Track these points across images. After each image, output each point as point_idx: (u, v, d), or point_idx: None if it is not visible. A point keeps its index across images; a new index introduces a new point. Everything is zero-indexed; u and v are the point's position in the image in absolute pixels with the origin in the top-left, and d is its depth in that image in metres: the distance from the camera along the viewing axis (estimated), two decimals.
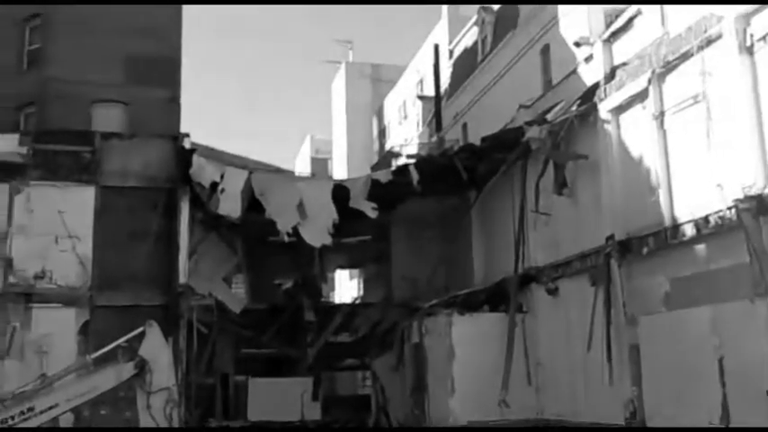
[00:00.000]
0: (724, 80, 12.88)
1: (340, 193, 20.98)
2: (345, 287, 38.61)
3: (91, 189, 19.53)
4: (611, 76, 16.30)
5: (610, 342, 15.28)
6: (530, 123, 19.00)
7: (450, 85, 30.61)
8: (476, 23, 28.32)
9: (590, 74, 17.51)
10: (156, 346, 12.95)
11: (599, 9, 17.72)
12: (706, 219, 13.02)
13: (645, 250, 14.64)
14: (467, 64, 28.86)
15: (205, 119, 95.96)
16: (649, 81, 14.69)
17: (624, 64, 15.89)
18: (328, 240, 20.99)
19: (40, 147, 19.43)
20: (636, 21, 15.84)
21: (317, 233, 20.87)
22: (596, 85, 16.68)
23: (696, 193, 13.48)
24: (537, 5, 21.95)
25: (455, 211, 23.38)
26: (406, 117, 39.85)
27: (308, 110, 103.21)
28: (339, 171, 47.65)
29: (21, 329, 18.26)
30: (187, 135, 20.59)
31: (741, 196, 12.10)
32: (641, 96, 15.07)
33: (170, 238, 19.62)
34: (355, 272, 34.31)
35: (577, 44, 18.11)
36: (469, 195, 22.53)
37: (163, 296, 19.20)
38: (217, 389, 21.93)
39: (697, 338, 13.06)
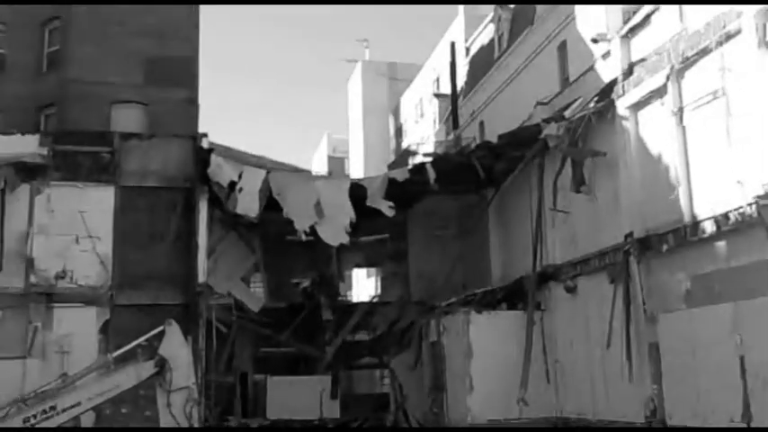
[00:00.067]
0: (743, 76, 12.75)
1: (357, 191, 21.01)
2: (363, 286, 38.66)
3: (110, 189, 19.70)
4: (628, 72, 16.20)
5: (629, 340, 15.19)
6: (547, 120, 18.92)
7: (467, 82, 30.56)
8: (492, 21, 28.25)
9: (608, 70, 17.42)
10: (175, 345, 13.07)
11: (616, 5, 17.62)
12: (726, 215, 12.91)
13: (664, 247, 14.54)
14: (483, 61, 28.79)
15: (223, 119, 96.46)
16: (668, 77, 14.59)
17: (642, 60, 15.79)
18: (346, 239, 21.03)
19: (61, 148, 19.61)
20: (654, 17, 15.72)
21: (335, 232, 20.92)
22: (614, 82, 16.59)
23: (716, 189, 13.37)
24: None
25: (472, 209, 23.35)
26: (422, 115, 39.82)
27: (325, 108, 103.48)
28: (356, 170, 47.71)
29: (42, 329, 18.45)
30: (205, 135, 20.71)
31: (762, 192, 11.99)
32: (660, 92, 14.97)
33: (189, 238, 19.75)
34: (373, 270, 34.33)
35: (595, 40, 18.02)
36: (487, 193, 22.49)
37: (182, 295, 19.33)
38: (236, 387, 22.06)
39: (718, 336, 12.96)
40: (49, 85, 24.52)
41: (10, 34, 25.07)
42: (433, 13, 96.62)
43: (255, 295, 23.56)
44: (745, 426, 12.22)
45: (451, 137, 29.86)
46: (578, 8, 20.00)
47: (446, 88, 32.70)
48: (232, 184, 20.27)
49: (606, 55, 17.55)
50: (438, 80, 36.85)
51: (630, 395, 15.20)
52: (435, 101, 36.13)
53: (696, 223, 13.76)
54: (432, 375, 20.59)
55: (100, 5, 24.79)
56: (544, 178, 19.01)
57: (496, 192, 21.87)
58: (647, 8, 15.88)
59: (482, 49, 29.67)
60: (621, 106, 16.12)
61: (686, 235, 13.97)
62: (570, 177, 17.62)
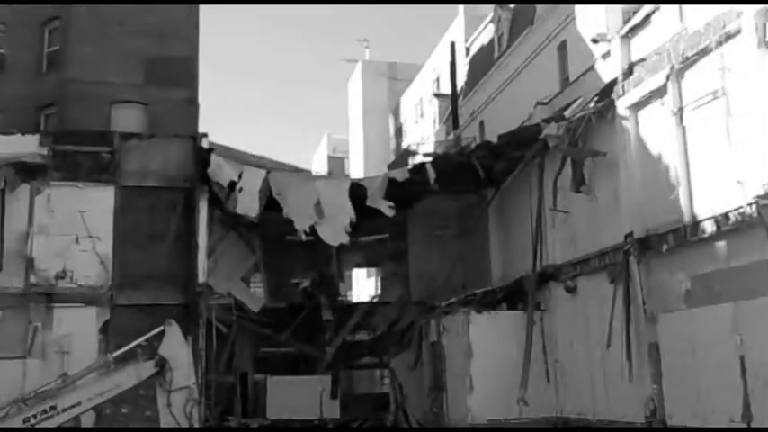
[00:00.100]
0: (743, 76, 12.75)
1: (357, 191, 21.02)
2: (363, 286, 38.67)
3: (110, 189, 19.71)
4: (628, 72, 16.20)
5: (629, 340, 15.19)
6: (547, 120, 18.92)
7: (467, 82, 30.57)
8: (492, 21, 28.25)
9: (607, 70, 17.42)
10: (175, 345, 13.08)
11: (616, 5, 17.62)
12: (726, 215, 12.91)
13: (664, 247, 14.54)
14: (483, 61, 28.80)
15: (223, 119, 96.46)
16: (668, 77, 14.59)
17: (642, 60, 15.79)
18: (345, 239, 21.03)
19: (60, 147, 19.61)
20: (654, 17, 15.72)
21: (335, 232, 20.92)
22: (614, 82, 16.59)
23: (716, 189, 13.38)
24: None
25: (472, 208, 23.35)
26: (422, 115, 39.84)
27: (325, 108, 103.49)
28: (356, 170, 47.72)
29: (42, 329, 18.46)
30: (205, 135, 20.72)
31: (762, 192, 11.99)
32: (660, 92, 14.97)
33: (189, 238, 19.75)
34: (373, 270, 34.35)
35: (595, 41, 18.03)
36: (487, 193, 22.49)
37: (182, 295, 19.33)
38: (236, 387, 22.07)
39: (718, 336, 12.97)
40: (49, 85, 24.52)
41: (10, 34, 25.08)
42: (432, 14, 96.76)
43: (255, 295, 23.57)
44: (745, 426, 12.22)
45: (451, 137, 29.87)
46: (578, 8, 20.01)
47: (446, 88, 32.71)
48: (232, 184, 20.27)
49: (606, 55, 17.55)
50: (438, 80, 36.86)
51: (630, 395, 15.20)
52: (435, 101, 36.13)
53: (696, 223, 13.76)
54: (432, 375, 20.59)
55: (100, 5, 24.79)
56: (544, 178, 19.01)
57: (496, 192, 21.87)
58: (646, 8, 15.89)
59: (482, 49, 29.68)
60: (621, 106, 16.13)
61: (686, 235, 13.98)
62: (570, 177, 17.62)
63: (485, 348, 18.39)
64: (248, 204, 20.34)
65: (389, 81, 48.04)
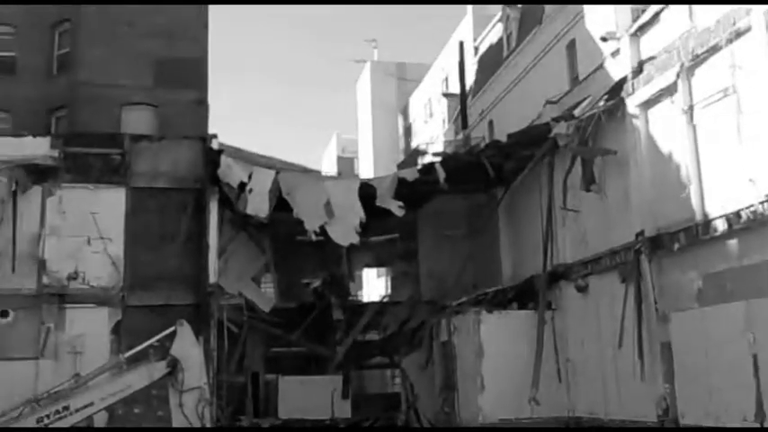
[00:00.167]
0: (754, 73, 12.71)
1: (367, 191, 21.03)
2: (373, 285, 38.70)
3: (121, 190, 19.80)
4: (638, 70, 16.15)
5: (641, 339, 15.16)
6: (556, 119, 18.90)
7: (476, 82, 30.52)
8: (501, 20, 28.20)
9: (617, 68, 17.37)
10: (187, 346, 13.13)
11: (625, 4, 17.56)
12: (738, 214, 12.86)
13: (676, 246, 14.50)
14: (492, 61, 28.75)
15: (232, 120, 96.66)
16: (678, 75, 14.55)
17: (652, 58, 15.74)
18: (356, 239, 21.05)
19: (71, 150, 19.71)
20: (663, 14, 15.67)
21: (345, 232, 20.94)
22: (624, 80, 16.55)
23: (727, 187, 13.33)
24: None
25: (482, 208, 23.33)
26: (431, 115, 39.82)
27: (334, 109, 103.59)
28: (365, 170, 47.73)
29: (55, 330, 18.56)
30: (215, 136, 20.79)
31: None
32: (670, 90, 14.92)
33: (199, 239, 19.81)
34: (383, 270, 34.36)
35: (604, 39, 17.95)
36: (496, 192, 22.47)
37: (193, 296, 19.40)
38: (247, 387, 22.11)
39: (730, 335, 12.92)
40: (60, 88, 24.65)
41: (20, 37, 25.23)
42: (441, 13, 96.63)
43: (266, 295, 23.62)
44: (758, 425, 12.17)
45: (461, 136, 29.83)
46: (587, 7, 19.94)
47: (455, 88, 32.69)
48: (242, 185, 20.32)
49: (615, 53, 17.50)
50: (447, 80, 36.83)
51: (642, 394, 15.16)
52: (444, 100, 36.12)
53: (707, 222, 13.71)
54: (443, 375, 20.59)
55: (109, 6, 24.90)
56: (554, 177, 18.97)
57: (506, 191, 21.84)
58: (656, 6, 15.84)
59: (491, 48, 29.63)
60: (631, 104, 16.08)
61: (698, 233, 13.93)
62: (580, 176, 17.59)
63: (496, 348, 18.39)
64: (258, 205, 20.39)
65: (398, 81, 48.03)
